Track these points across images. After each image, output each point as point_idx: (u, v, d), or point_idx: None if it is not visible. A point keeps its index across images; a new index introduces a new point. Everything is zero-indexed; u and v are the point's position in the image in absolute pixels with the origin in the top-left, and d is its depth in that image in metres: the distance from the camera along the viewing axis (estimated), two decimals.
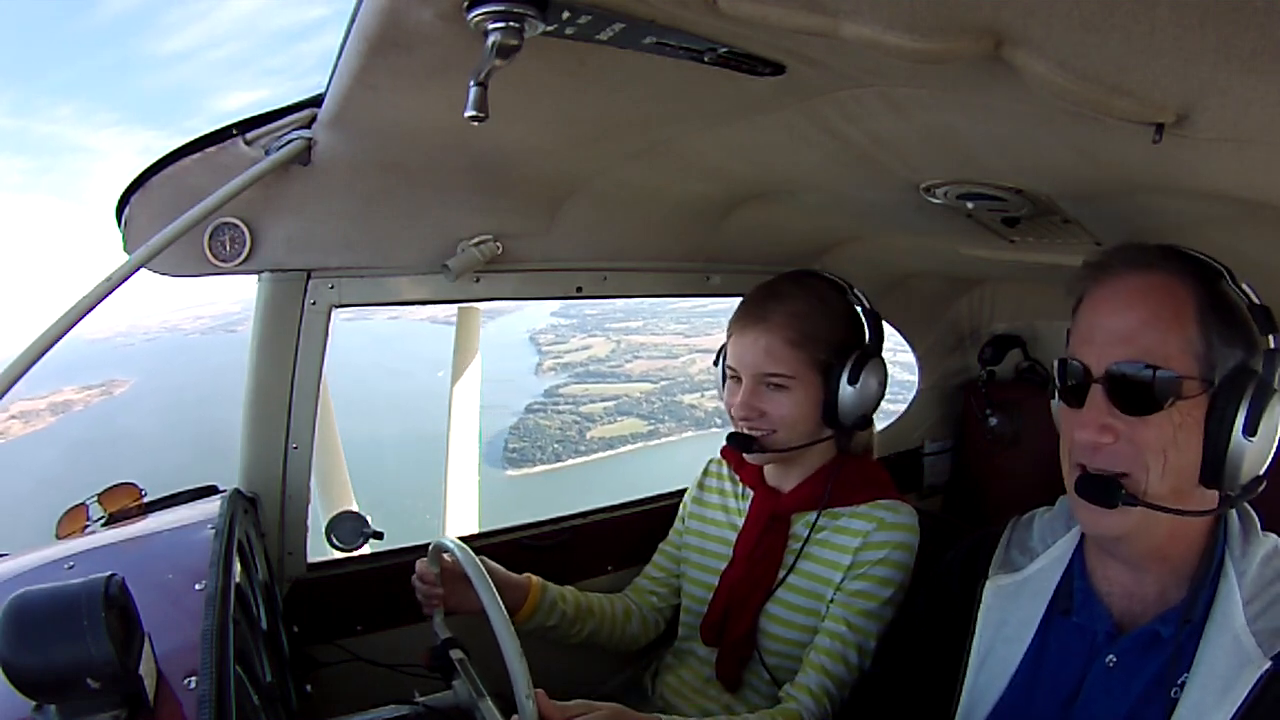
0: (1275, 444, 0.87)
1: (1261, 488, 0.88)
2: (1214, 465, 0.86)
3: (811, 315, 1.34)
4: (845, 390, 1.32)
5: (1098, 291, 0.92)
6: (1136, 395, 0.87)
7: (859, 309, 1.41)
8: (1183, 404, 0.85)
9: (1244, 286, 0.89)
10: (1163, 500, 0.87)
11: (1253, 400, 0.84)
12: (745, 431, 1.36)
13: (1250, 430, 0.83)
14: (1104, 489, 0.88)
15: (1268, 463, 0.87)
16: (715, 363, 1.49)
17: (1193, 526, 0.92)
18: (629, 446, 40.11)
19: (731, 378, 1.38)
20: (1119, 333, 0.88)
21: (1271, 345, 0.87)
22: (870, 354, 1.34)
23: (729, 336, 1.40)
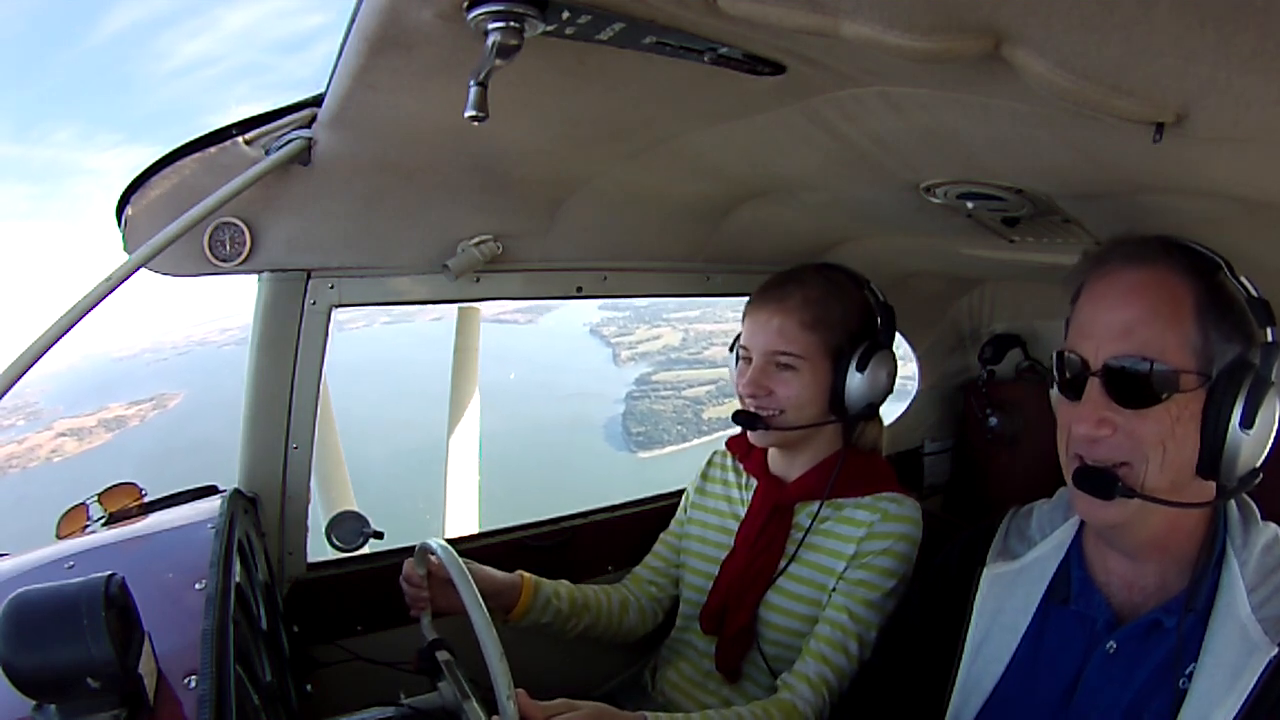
0: (1272, 436, 0.87)
1: (1258, 480, 0.88)
2: (1211, 458, 0.86)
3: (826, 301, 1.36)
4: (854, 377, 1.33)
5: (1096, 285, 0.92)
6: (1134, 389, 0.87)
7: (873, 303, 1.41)
8: (1180, 397, 0.86)
9: (1242, 279, 0.89)
10: (1160, 492, 0.87)
11: (1249, 393, 0.84)
12: (752, 410, 1.37)
13: (1247, 423, 0.83)
14: (1101, 481, 0.89)
15: (1265, 455, 0.87)
16: (731, 349, 1.50)
17: (1191, 517, 0.92)
18: None
19: (743, 359, 1.41)
20: (1117, 327, 0.88)
21: (1269, 339, 0.87)
22: (881, 345, 1.36)
23: (744, 320, 1.42)
